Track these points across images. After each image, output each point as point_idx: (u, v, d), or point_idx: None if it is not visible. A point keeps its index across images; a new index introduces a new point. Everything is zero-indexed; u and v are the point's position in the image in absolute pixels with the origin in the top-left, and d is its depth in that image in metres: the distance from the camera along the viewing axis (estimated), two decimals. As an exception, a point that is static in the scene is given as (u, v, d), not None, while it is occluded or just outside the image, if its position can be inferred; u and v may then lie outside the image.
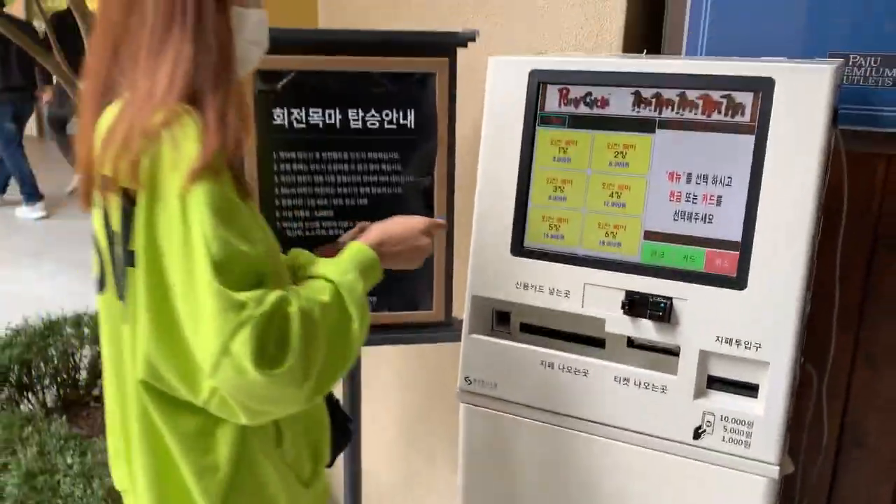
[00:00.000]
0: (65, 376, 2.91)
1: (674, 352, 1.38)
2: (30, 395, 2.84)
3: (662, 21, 1.76)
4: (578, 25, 1.80)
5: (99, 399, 2.93)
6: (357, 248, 1.07)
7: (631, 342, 1.43)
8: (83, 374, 2.97)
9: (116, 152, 0.89)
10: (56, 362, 2.89)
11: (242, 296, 0.86)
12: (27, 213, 6.19)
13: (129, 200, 0.91)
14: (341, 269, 1.02)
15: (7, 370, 2.75)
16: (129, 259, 0.93)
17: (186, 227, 0.86)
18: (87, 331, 2.99)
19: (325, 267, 1.03)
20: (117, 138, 0.89)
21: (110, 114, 0.95)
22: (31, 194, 6.17)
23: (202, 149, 0.87)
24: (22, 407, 2.71)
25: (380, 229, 1.15)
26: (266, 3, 1.48)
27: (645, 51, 1.59)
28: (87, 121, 0.98)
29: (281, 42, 1.20)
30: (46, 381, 2.88)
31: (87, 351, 2.97)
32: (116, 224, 0.94)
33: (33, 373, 2.85)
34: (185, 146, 0.87)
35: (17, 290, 4.41)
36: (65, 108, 6.52)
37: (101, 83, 0.97)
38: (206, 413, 0.95)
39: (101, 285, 1.04)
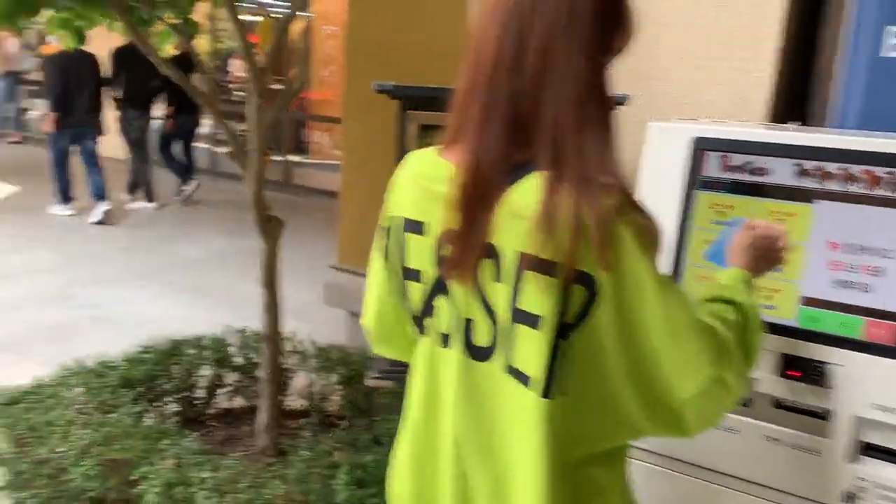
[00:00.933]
0: (186, 394, 3.07)
1: (821, 415, 1.41)
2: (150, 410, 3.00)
3: (806, 93, 1.83)
4: (722, 95, 1.89)
5: (217, 417, 3.08)
6: (741, 273, 1.19)
7: (777, 403, 1.47)
8: (199, 393, 3.13)
9: (572, 237, 0.89)
10: (178, 381, 3.06)
11: (709, 325, 1.00)
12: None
13: (577, 280, 0.91)
14: (739, 290, 1.14)
15: (139, 384, 2.93)
16: (566, 331, 0.94)
17: (660, 295, 0.93)
18: (205, 353, 3.16)
19: (723, 291, 1.15)
20: (559, 221, 0.89)
21: (526, 190, 0.93)
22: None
23: (652, 226, 0.94)
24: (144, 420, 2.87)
25: (746, 256, 1.24)
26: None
27: (799, 122, 1.65)
28: (492, 197, 0.96)
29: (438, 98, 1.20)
30: (166, 399, 3.04)
31: (203, 371, 3.13)
32: (533, 303, 0.94)
33: (157, 389, 3.02)
34: (642, 228, 0.92)
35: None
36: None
37: (503, 155, 0.95)
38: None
39: (488, 355, 1.02)
